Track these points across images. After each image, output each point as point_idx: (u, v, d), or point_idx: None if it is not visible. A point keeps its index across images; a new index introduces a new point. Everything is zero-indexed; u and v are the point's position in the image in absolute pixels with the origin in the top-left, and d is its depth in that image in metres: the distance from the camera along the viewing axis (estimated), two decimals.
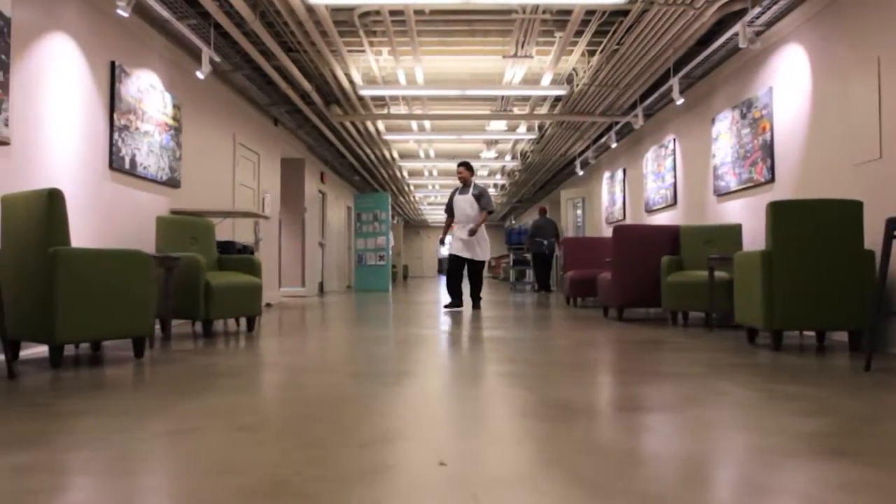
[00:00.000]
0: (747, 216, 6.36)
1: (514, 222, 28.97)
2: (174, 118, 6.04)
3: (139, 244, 5.41)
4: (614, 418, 2.21)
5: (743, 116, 6.41)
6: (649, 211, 9.42)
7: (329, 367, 3.40)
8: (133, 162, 5.25)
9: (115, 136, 4.99)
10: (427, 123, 10.79)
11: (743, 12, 5.70)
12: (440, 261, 34.89)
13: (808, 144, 5.31)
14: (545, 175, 15.78)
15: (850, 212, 4.06)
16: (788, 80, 5.61)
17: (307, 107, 9.01)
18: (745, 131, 6.37)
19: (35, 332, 3.34)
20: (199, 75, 5.85)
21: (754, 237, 6.22)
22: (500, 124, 10.99)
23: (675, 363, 3.53)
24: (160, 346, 4.30)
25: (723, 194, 6.89)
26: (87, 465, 1.67)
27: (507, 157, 14.08)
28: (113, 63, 5.00)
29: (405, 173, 16.45)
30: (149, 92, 5.56)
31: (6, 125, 3.77)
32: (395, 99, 9.38)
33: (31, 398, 2.58)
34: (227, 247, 5.92)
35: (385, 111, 9.83)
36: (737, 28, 5.52)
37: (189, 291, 4.69)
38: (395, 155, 13.64)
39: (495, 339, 4.68)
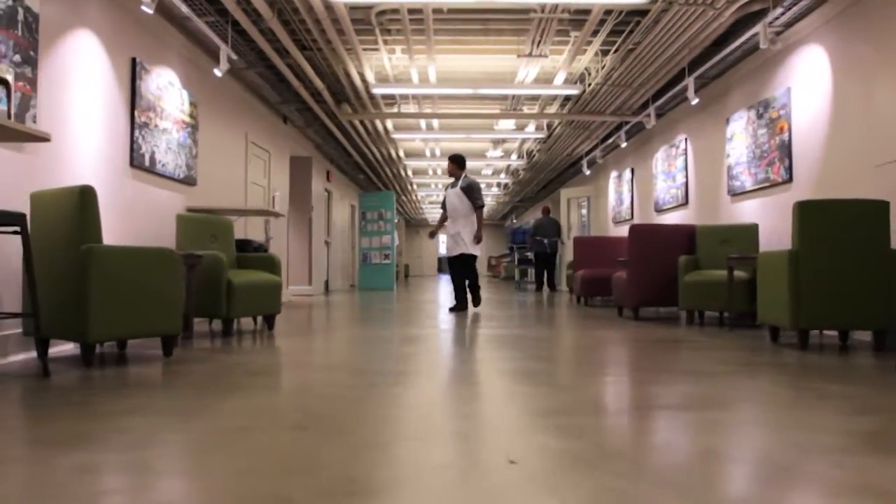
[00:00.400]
0: (763, 216, 6.36)
1: (514, 221, 28.98)
2: (191, 116, 6.02)
3: (158, 242, 5.39)
4: (671, 417, 2.21)
5: (759, 116, 6.41)
6: (659, 210, 9.42)
7: (363, 366, 3.39)
8: (152, 159, 5.23)
9: (136, 133, 4.97)
10: (435, 122, 10.78)
11: (761, 13, 5.71)
12: (440, 260, 34.89)
13: (827, 145, 5.31)
14: (549, 174, 15.78)
15: (876, 212, 4.07)
16: (807, 80, 5.62)
17: (317, 105, 9.00)
18: (761, 131, 6.38)
19: (66, 330, 3.32)
20: (217, 72, 5.83)
21: (770, 237, 6.23)
22: (509, 123, 10.98)
23: (706, 362, 3.53)
24: (183, 345, 4.28)
25: (737, 194, 6.90)
26: (155, 465, 1.66)
27: (514, 157, 14.08)
28: (134, 60, 4.98)
29: (409, 172, 16.44)
30: (167, 89, 5.54)
31: (34, 122, 3.76)
32: (404, 97, 9.36)
33: (71, 397, 2.57)
34: (243, 245, 5.90)
35: (395, 110, 9.82)
36: (757, 28, 5.52)
37: (211, 290, 4.68)
38: (401, 153, 13.63)
39: (518, 338, 4.67)
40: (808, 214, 4.11)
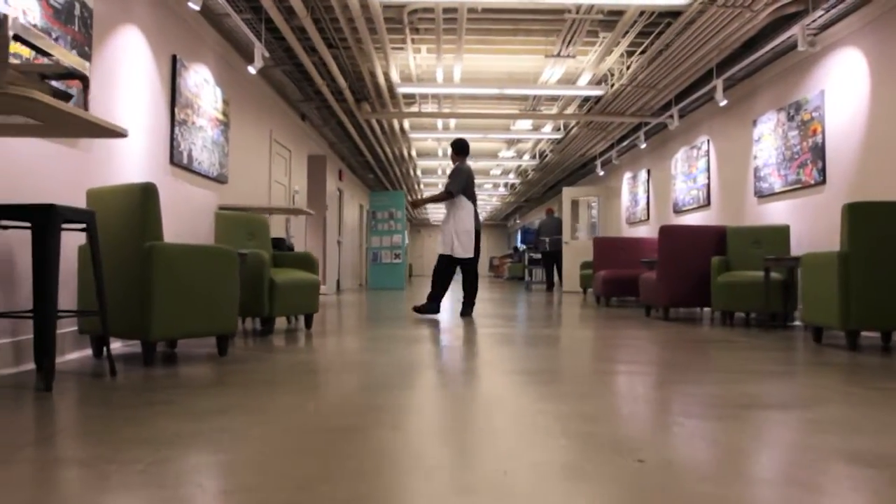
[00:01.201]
0: (794, 218, 6.38)
1: (518, 221, 29.00)
2: (224, 113, 5.99)
3: (195, 240, 5.36)
4: (771, 418, 2.20)
5: (790, 118, 6.42)
6: (678, 211, 9.44)
7: (426, 364, 3.37)
8: (190, 157, 5.20)
9: (176, 130, 4.94)
10: (452, 122, 10.77)
11: (795, 15, 5.72)
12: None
13: (863, 147, 5.33)
14: (559, 175, 15.80)
15: None
16: (843, 82, 5.63)
17: (337, 104, 8.97)
18: (792, 133, 6.39)
19: (127, 328, 3.30)
20: (252, 69, 5.80)
21: (801, 238, 6.25)
22: (525, 124, 10.98)
23: (761, 361, 3.53)
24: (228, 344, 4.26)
25: (765, 195, 6.91)
26: (276, 466, 1.64)
27: (526, 157, 14.08)
28: (174, 57, 4.95)
29: (419, 171, 16.43)
30: (203, 86, 5.51)
31: None
32: (424, 97, 9.35)
33: (151, 396, 2.54)
34: (278, 243, 5.88)
35: (415, 109, 9.80)
36: (794, 30, 5.53)
37: (253, 288, 4.65)
38: (414, 153, 13.62)
39: (560, 338, 4.66)
40: (859, 216, 4.12)
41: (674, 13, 6.19)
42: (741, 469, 1.62)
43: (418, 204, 6.59)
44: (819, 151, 5.92)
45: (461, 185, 6.54)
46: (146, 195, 3.28)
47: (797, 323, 6.10)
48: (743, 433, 2.00)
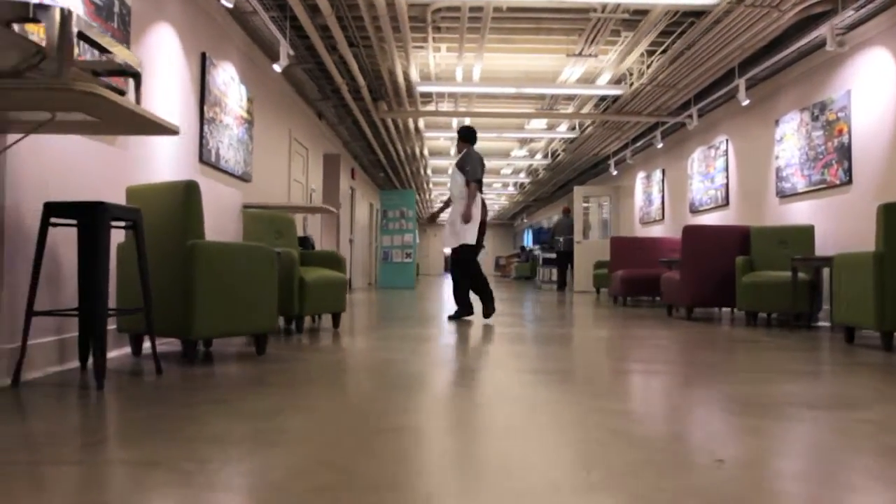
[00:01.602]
0: (818, 218, 6.35)
1: (525, 221, 28.98)
2: (248, 111, 5.99)
3: (223, 238, 5.35)
4: (828, 419, 2.19)
5: (814, 118, 6.40)
6: (695, 211, 9.42)
7: (465, 363, 3.36)
8: (217, 155, 5.20)
9: (205, 128, 4.94)
10: (467, 121, 10.76)
11: (822, 15, 5.70)
12: (446, 259, 34.86)
13: (892, 147, 5.30)
14: (569, 174, 15.78)
15: None
16: (871, 82, 5.61)
17: (354, 102, 8.97)
18: (816, 133, 6.37)
19: (168, 327, 3.29)
20: (277, 68, 5.80)
21: (825, 238, 6.23)
22: (540, 123, 10.97)
23: (800, 361, 3.52)
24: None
25: (787, 196, 6.89)
26: (353, 465, 1.64)
27: (538, 156, 14.07)
28: (203, 55, 4.95)
29: (430, 170, 16.43)
30: (230, 84, 5.50)
31: None
32: (440, 95, 9.34)
33: (201, 395, 2.54)
34: (302, 242, 5.87)
35: (431, 108, 9.79)
36: (823, 30, 5.51)
37: (284, 287, 4.64)
38: (426, 152, 13.61)
39: (598, 339, 4.65)
40: (895, 216, 4.10)
41: (698, 13, 6.18)
42: (827, 470, 1.61)
43: (469, 219, 5.92)
44: (845, 151, 5.90)
45: (479, 172, 6.07)
46: (189, 193, 3.27)
47: (821, 323, 6.08)
48: (814, 433, 1.99)
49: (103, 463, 1.63)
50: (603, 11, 6.08)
